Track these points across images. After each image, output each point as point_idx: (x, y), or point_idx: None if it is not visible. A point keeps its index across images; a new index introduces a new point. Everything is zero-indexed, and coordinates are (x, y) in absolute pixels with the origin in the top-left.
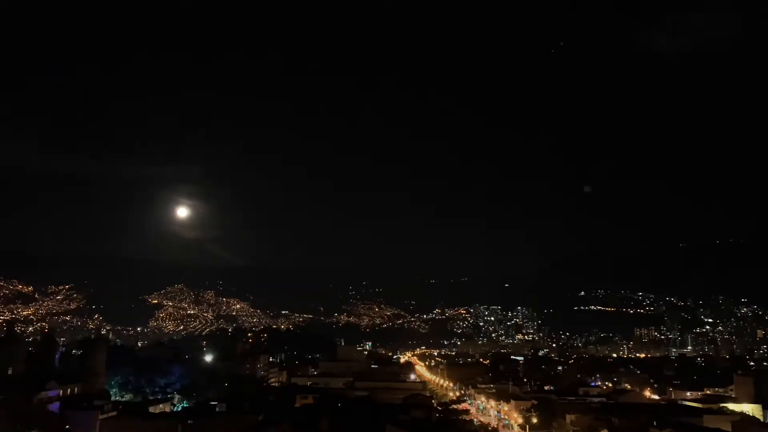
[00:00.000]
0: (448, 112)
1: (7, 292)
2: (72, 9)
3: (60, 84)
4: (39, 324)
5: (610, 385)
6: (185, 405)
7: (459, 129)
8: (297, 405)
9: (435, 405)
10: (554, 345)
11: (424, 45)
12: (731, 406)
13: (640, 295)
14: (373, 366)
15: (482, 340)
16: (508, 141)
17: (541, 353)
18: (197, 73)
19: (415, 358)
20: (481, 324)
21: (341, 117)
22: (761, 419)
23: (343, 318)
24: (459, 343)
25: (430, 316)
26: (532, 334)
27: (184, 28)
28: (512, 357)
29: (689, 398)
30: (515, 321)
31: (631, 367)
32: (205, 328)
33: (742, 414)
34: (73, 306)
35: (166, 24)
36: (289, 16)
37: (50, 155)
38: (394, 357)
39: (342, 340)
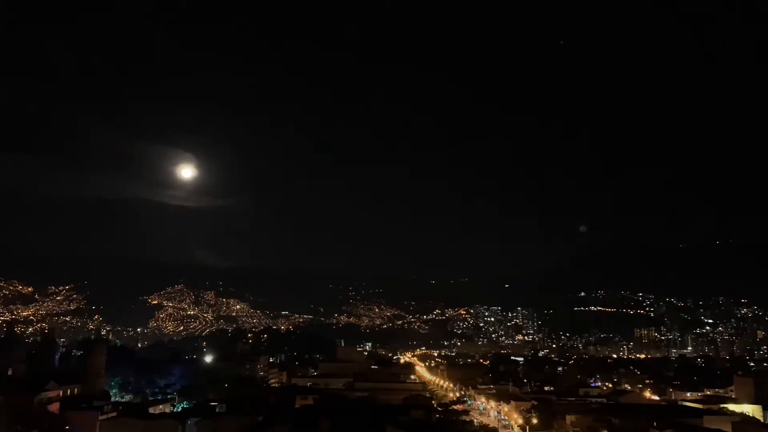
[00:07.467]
0: (459, 109)
1: (7, 292)
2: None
3: (62, 87)
4: (39, 324)
5: (610, 385)
6: (185, 406)
7: (460, 130)
8: (297, 406)
9: (435, 406)
10: (554, 345)
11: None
12: (731, 406)
13: (640, 296)
14: (373, 367)
15: (482, 341)
16: (508, 142)
17: (541, 354)
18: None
19: (415, 358)
20: (481, 325)
21: (336, 114)
22: (761, 420)
23: (343, 318)
24: (459, 343)
25: (430, 316)
26: (532, 334)
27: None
28: (512, 358)
29: (689, 399)
30: (515, 321)
31: (631, 367)
32: (205, 329)
33: (742, 415)
34: (73, 306)
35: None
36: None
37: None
38: (394, 358)
39: (342, 341)
